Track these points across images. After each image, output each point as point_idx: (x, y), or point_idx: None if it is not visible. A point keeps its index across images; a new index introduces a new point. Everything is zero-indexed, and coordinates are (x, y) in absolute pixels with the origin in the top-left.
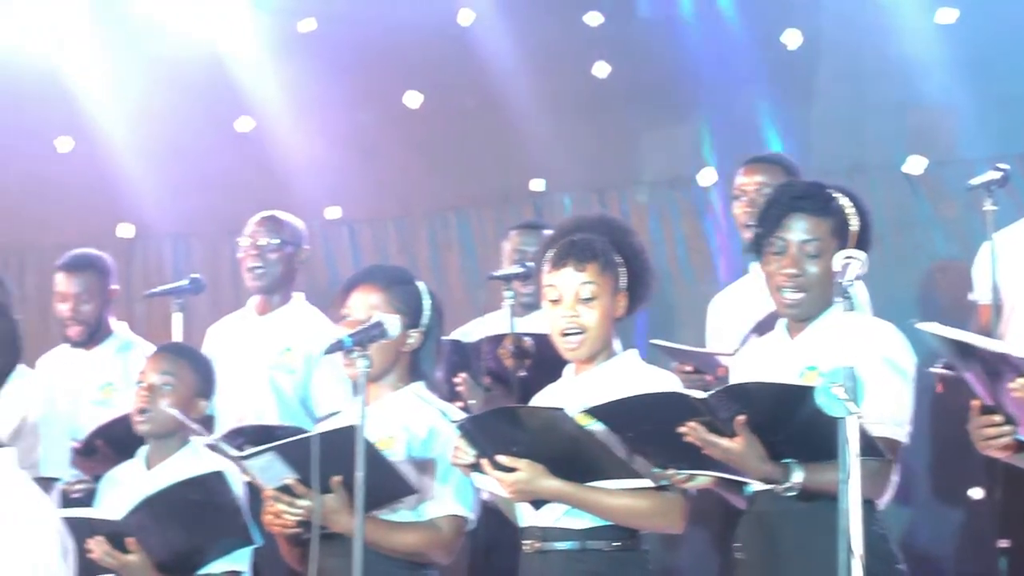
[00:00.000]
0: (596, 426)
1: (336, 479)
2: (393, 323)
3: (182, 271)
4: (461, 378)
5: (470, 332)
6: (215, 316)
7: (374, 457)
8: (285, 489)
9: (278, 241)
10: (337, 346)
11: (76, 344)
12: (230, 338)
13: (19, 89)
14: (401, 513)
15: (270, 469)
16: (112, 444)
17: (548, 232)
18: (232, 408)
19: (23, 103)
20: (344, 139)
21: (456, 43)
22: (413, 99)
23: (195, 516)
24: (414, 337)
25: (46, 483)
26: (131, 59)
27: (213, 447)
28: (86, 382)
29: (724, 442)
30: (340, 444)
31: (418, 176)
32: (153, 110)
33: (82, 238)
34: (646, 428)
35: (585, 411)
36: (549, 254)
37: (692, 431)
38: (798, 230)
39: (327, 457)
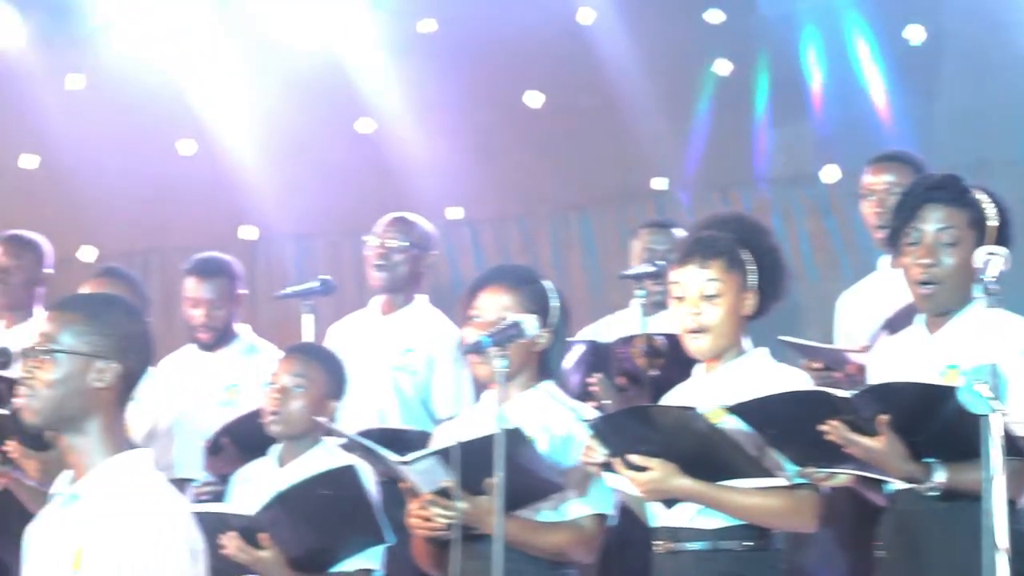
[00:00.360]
0: (728, 423)
1: (490, 481)
2: (531, 323)
3: (304, 272)
4: (596, 378)
5: (599, 331)
6: (337, 317)
7: (530, 455)
8: (442, 492)
9: (406, 244)
10: (476, 346)
11: (204, 347)
12: (353, 338)
13: (142, 93)
14: (543, 513)
15: (429, 473)
16: (238, 442)
17: (677, 230)
18: (353, 409)
19: (146, 107)
20: (465, 139)
21: (576, 42)
22: (534, 98)
23: (328, 512)
24: (543, 336)
25: (180, 484)
26: (252, 62)
27: (364, 449)
28: (211, 384)
29: (866, 441)
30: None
31: (540, 176)
32: (274, 112)
33: (205, 240)
34: (786, 426)
35: (726, 408)
36: (676, 251)
37: (834, 429)
38: (933, 220)
39: (484, 459)
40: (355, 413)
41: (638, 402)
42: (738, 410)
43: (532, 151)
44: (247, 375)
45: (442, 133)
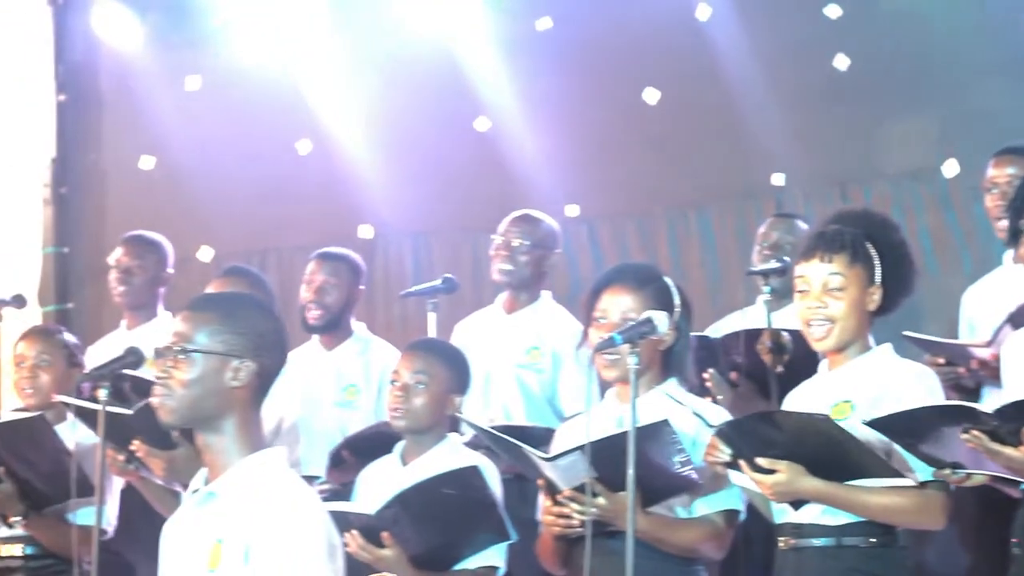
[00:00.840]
0: (852, 424)
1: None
2: (662, 320)
3: (422, 271)
4: (708, 374)
5: (723, 327)
6: (455, 314)
7: (667, 450)
8: (580, 488)
9: (529, 243)
10: (608, 343)
11: (313, 329)
12: (477, 335)
13: (259, 93)
14: (675, 510)
15: (570, 469)
16: (360, 455)
17: (801, 222)
18: (479, 406)
19: (263, 107)
20: (582, 137)
21: (694, 38)
22: (651, 95)
23: (451, 511)
24: (668, 334)
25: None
26: (368, 61)
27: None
28: (330, 384)
29: (1009, 451)
30: (638, 442)
31: (657, 173)
32: (390, 111)
33: (322, 239)
34: (923, 435)
35: (866, 423)
36: (800, 246)
37: (976, 440)
38: None
39: (622, 455)
40: (480, 410)
41: (752, 398)
42: (875, 425)
43: (649, 148)
44: (363, 374)
45: (558, 130)
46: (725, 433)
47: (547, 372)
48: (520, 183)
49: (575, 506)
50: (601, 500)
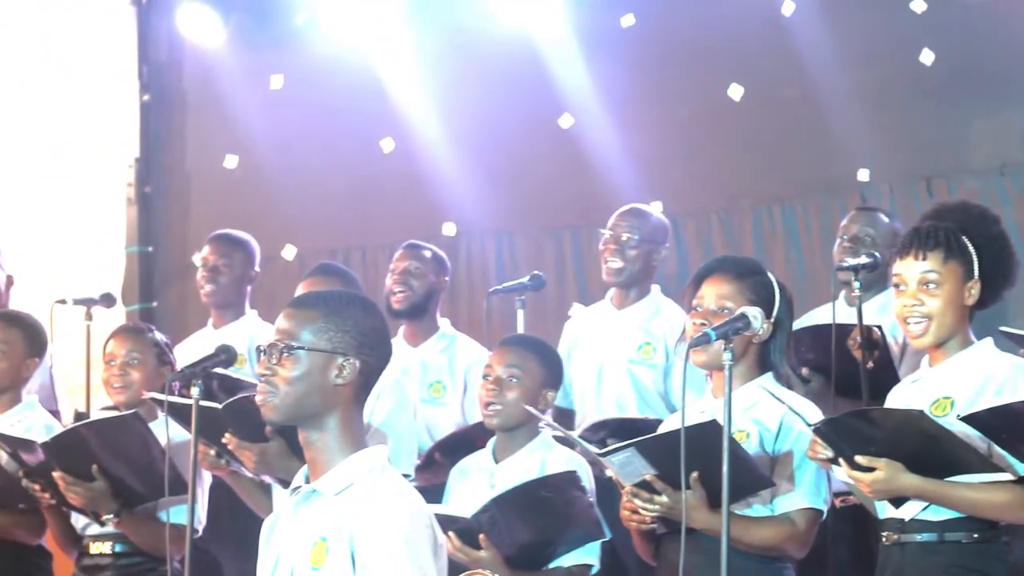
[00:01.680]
0: (951, 419)
1: (694, 476)
2: (757, 315)
3: (505, 268)
4: None
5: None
6: (538, 311)
7: (734, 451)
8: (643, 485)
9: (638, 237)
10: (703, 338)
11: (398, 314)
12: (589, 331)
13: (344, 92)
14: (754, 508)
15: (629, 465)
16: (450, 456)
17: (884, 216)
18: (592, 401)
19: (348, 106)
20: (666, 133)
21: (778, 33)
22: (735, 91)
23: (546, 512)
24: (765, 328)
25: None
26: (451, 59)
27: (569, 441)
28: (415, 381)
29: None
30: (700, 439)
31: (741, 168)
32: (473, 109)
33: (406, 237)
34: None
35: (961, 418)
36: (897, 243)
37: None
38: None
39: (686, 452)
40: (594, 405)
41: (824, 393)
42: (970, 420)
43: (734, 144)
44: (448, 370)
45: (642, 127)
46: (824, 433)
47: (659, 366)
48: (603, 180)
49: (638, 502)
50: (663, 498)
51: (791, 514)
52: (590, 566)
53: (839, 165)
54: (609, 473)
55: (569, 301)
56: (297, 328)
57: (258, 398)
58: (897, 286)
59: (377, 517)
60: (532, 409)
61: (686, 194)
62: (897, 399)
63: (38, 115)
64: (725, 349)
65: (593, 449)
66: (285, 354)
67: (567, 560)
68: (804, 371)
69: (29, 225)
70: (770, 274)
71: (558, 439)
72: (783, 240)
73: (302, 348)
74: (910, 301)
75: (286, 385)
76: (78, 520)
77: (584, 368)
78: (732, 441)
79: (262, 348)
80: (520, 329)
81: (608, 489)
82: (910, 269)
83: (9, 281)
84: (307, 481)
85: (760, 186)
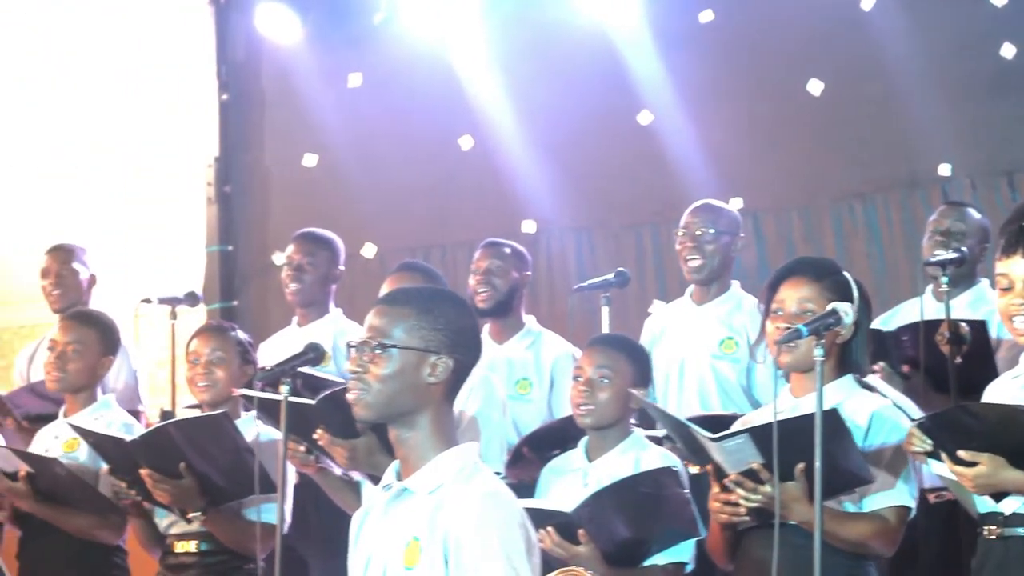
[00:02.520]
0: None
1: (800, 467)
2: (848, 311)
3: (585, 265)
4: (879, 367)
5: (894, 318)
6: (619, 308)
7: (844, 444)
8: (748, 474)
9: (713, 231)
10: (795, 334)
11: (484, 313)
12: (670, 327)
13: (422, 90)
14: (844, 504)
15: (738, 453)
16: (538, 451)
17: (972, 211)
18: (675, 397)
19: (426, 104)
20: (745, 129)
21: (857, 28)
22: (815, 86)
23: (644, 509)
24: (849, 328)
25: None
26: (529, 56)
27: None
28: (501, 378)
29: None
30: (809, 431)
31: (821, 164)
32: (552, 106)
33: (485, 234)
34: None
35: None
36: (999, 241)
37: None
38: None
39: (793, 444)
40: (676, 400)
41: (922, 390)
42: None
43: (814, 139)
44: (534, 367)
45: (721, 123)
46: (926, 426)
47: (742, 362)
48: (683, 176)
49: (741, 492)
50: (767, 488)
51: (882, 511)
52: (684, 564)
53: (920, 160)
54: (715, 458)
55: (649, 298)
56: (390, 326)
57: (350, 395)
58: (1002, 285)
59: (471, 517)
60: (635, 392)
61: (766, 190)
62: (996, 394)
63: (119, 116)
64: (816, 345)
65: (706, 434)
66: (378, 352)
67: (662, 558)
68: (905, 368)
69: (110, 225)
70: (847, 273)
71: (653, 438)
72: (864, 235)
73: (395, 346)
74: (1017, 300)
75: (378, 383)
76: (162, 520)
77: (666, 364)
78: (848, 434)
79: (354, 345)
80: (605, 326)
81: (695, 490)
82: (1016, 268)
83: (92, 280)
84: (398, 478)
85: (840, 181)
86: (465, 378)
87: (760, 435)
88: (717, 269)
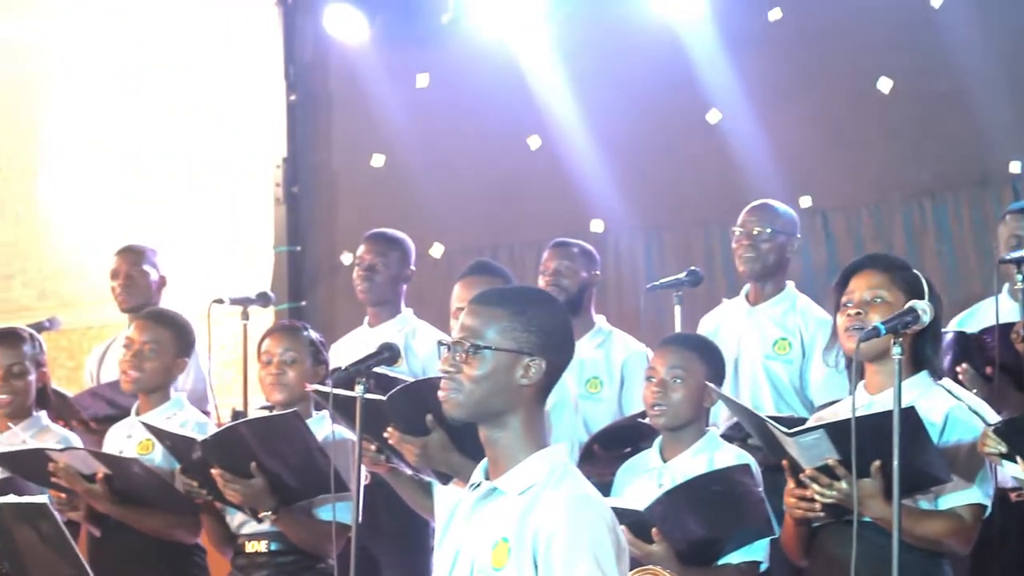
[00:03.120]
0: None
1: (876, 464)
2: (926, 308)
3: (654, 265)
4: (962, 368)
5: (970, 318)
6: (687, 307)
7: (921, 442)
8: (823, 470)
9: (769, 231)
10: (873, 332)
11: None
12: (724, 327)
13: (489, 90)
14: (920, 503)
15: (814, 449)
16: (608, 449)
17: None
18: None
19: (494, 104)
20: (814, 127)
21: (926, 26)
22: (884, 84)
23: (718, 507)
24: (922, 326)
25: None
26: (597, 55)
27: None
28: (572, 377)
29: None
30: (886, 428)
31: (891, 161)
32: (620, 105)
33: (554, 234)
34: None
35: None
36: None
37: None
38: None
39: (869, 441)
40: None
41: (1005, 391)
42: None
43: (883, 137)
44: (606, 367)
45: (790, 121)
46: (1001, 430)
47: (796, 363)
48: (752, 175)
49: (816, 488)
50: (843, 484)
51: (958, 509)
52: (759, 563)
53: (990, 157)
54: (791, 453)
55: (718, 297)
56: (483, 326)
57: (441, 394)
58: None
59: (562, 520)
60: (712, 386)
61: (835, 188)
62: None
63: (187, 118)
64: (894, 343)
65: (782, 429)
66: (471, 353)
67: (736, 557)
68: (988, 370)
69: (179, 226)
70: (917, 271)
71: (735, 437)
72: (934, 233)
73: (489, 348)
74: None
75: (471, 383)
76: (233, 519)
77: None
78: (925, 433)
79: (447, 344)
80: (677, 325)
81: (768, 489)
82: None
83: (162, 282)
84: (486, 477)
85: (910, 179)
86: (556, 379)
87: (836, 431)
88: (771, 268)
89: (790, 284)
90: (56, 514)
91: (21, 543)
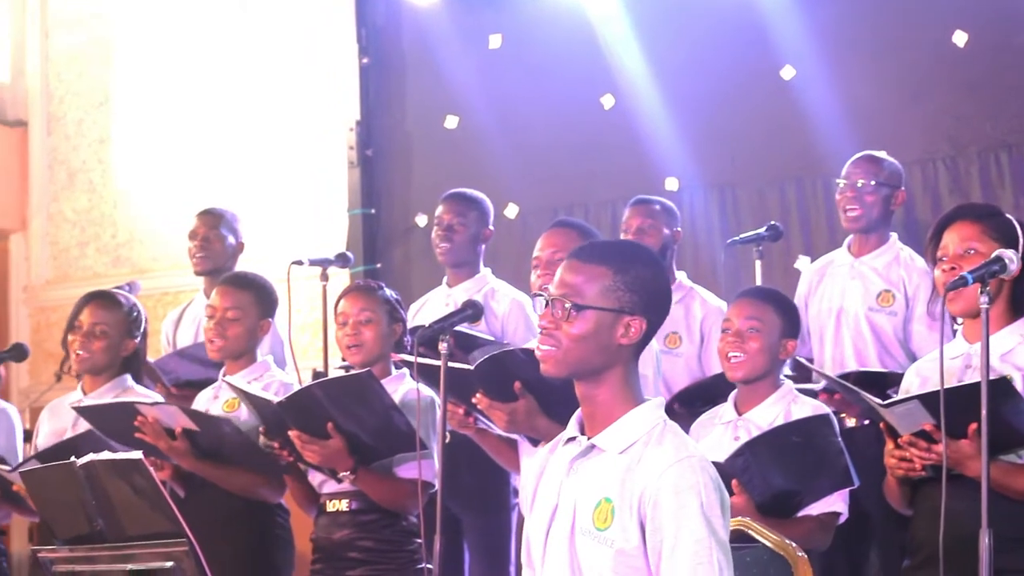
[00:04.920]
0: None
1: (973, 426)
2: (1013, 257)
3: (728, 222)
4: None
5: None
6: (764, 262)
7: (1016, 403)
8: (921, 435)
9: (874, 183)
10: (960, 282)
11: None
12: (826, 280)
13: (562, 50)
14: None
15: (909, 416)
16: (688, 407)
17: None
18: (831, 351)
19: (567, 63)
20: (889, 81)
21: None
22: (960, 37)
23: (798, 458)
24: (1009, 274)
25: None
26: (668, 13)
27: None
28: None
29: None
30: (979, 393)
31: (967, 115)
32: (692, 62)
33: (628, 193)
34: None
35: None
36: None
37: None
38: None
39: (964, 405)
40: (832, 354)
41: None
42: None
43: (958, 90)
44: (685, 324)
45: (864, 76)
46: None
47: (899, 315)
48: (826, 130)
49: (915, 452)
50: (941, 447)
51: None
52: (839, 514)
53: None
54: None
55: (794, 254)
56: (585, 284)
57: (539, 351)
58: None
59: (669, 479)
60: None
61: (911, 142)
62: None
63: (260, 83)
64: (981, 292)
65: (876, 400)
66: (573, 312)
67: (816, 508)
68: None
69: (253, 192)
70: (1010, 216)
71: (811, 391)
72: (1011, 186)
73: (591, 308)
74: None
75: (570, 342)
76: (315, 478)
77: (822, 317)
78: (1017, 395)
79: (547, 299)
80: (758, 280)
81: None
82: None
83: (239, 247)
84: (581, 432)
85: (986, 132)
86: (653, 335)
87: (929, 401)
88: (875, 220)
89: (894, 236)
90: (150, 469)
91: (116, 499)
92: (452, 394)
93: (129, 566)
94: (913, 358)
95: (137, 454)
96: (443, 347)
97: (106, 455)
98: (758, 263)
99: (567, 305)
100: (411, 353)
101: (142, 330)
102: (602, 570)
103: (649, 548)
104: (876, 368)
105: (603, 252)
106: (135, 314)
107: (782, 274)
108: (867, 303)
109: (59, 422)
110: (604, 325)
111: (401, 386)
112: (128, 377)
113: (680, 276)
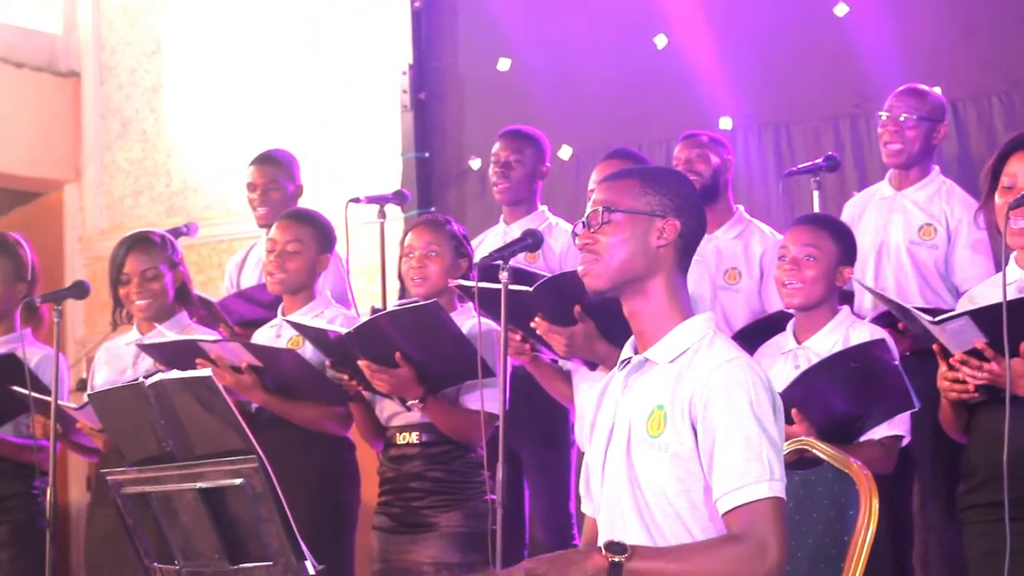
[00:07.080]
0: None
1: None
2: None
3: (783, 160)
4: None
5: None
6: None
7: None
8: (973, 353)
9: (916, 117)
10: (1022, 200)
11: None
12: (867, 213)
13: None
14: None
15: (961, 334)
16: (749, 346)
17: None
18: (872, 283)
19: (621, 3)
20: (943, 16)
21: None
22: None
23: (857, 382)
24: None
25: None
26: None
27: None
28: (710, 268)
29: None
30: None
31: (1021, 48)
32: (744, 1)
33: (681, 132)
34: None
35: None
36: None
37: None
38: None
39: (1017, 321)
40: (873, 288)
41: None
42: None
43: (1013, 24)
44: (743, 258)
45: (917, 11)
46: None
47: (941, 248)
48: (881, 66)
49: (967, 370)
50: (992, 365)
51: None
52: (901, 437)
53: None
54: (939, 339)
55: (849, 191)
56: (615, 196)
57: (580, 269)
58: None
59: (718, 379)
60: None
61: (965, 77)
62: None
63: (312, 28)
64: None
65: (927, 317)
66: (605, 221)
67: (878, 433)
68: None
69: (306, 137)
70: None
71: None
72: None
73: (621, 211)
74: None
75: (608, 251)
76: (383, 412)
77: (864, 251)
78: None
79: (582, 220)
80: (817, 210)
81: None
82: None
83: (298, 191)
84: (635, 352)
85: None
86: (694, 247)
87: (980, 316)
88: (917, 154)
89: (935, 169)
90: (220, 386)
91: (185, 419)
92: (510, 321)
93: (199, 484)
94: (955, 292)
95: (207, 371)
96: (503, 275)
97: (175, 373)
98: (815, 194)
99: (599, 214)
100: None
101: (180, 256)
102: (660, 477)
103: (701, 447)
104: (918, 303)
105: (628, 170)
106: (169, 244)
107: (837, 209)
108: (908, 236)
109: (120, 362)
110: (639, 228)
111: (466, 320)
112: (185, 315)
113: (738, 209)
